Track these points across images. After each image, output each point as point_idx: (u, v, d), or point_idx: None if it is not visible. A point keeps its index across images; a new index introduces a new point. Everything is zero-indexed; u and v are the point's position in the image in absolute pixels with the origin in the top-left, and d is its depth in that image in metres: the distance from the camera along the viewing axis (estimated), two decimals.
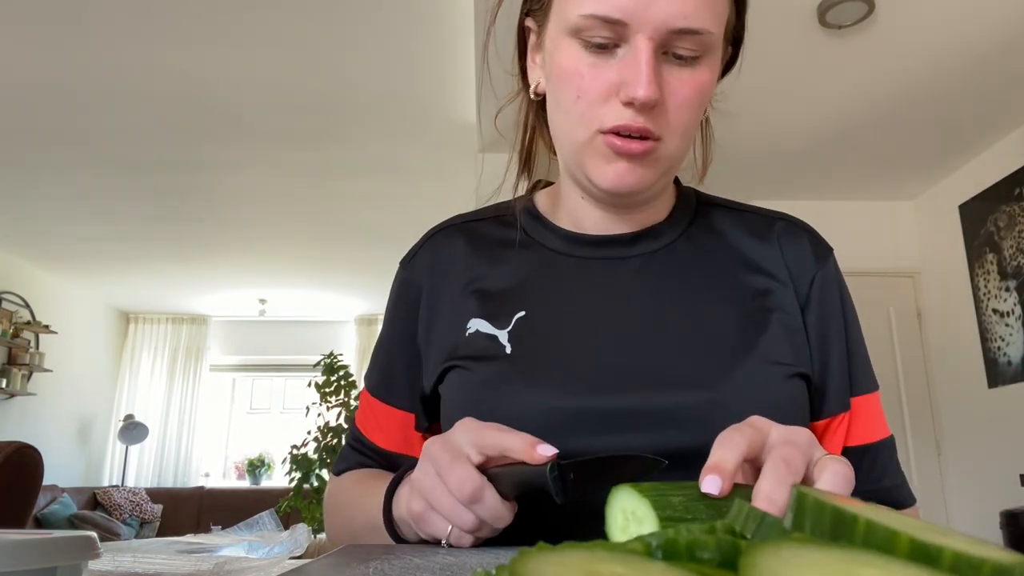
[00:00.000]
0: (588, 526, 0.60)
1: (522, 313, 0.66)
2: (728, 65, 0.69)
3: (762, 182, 3.97)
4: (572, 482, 0.46)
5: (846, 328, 0.69)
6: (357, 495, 0.67)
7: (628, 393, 0.60)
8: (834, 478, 0.41)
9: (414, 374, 0.71)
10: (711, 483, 0.40)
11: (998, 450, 3.58)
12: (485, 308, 0.67)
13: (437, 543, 0.52)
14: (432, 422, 0.71)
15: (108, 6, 2.56)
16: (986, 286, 3.67)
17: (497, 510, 0.49)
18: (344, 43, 2.80)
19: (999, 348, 3.56)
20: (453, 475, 0.48)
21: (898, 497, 0.67)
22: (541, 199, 0.75)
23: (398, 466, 0.69)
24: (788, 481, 0.40)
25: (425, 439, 0.71)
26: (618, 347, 0.63)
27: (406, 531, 0.57)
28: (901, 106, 3.19)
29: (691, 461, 0.57)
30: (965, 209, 3.82)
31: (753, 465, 0.45)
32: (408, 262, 0.75)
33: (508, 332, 0.65)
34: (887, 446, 0.67)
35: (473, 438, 0.50)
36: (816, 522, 0.24)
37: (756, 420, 0.47)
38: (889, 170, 3.89)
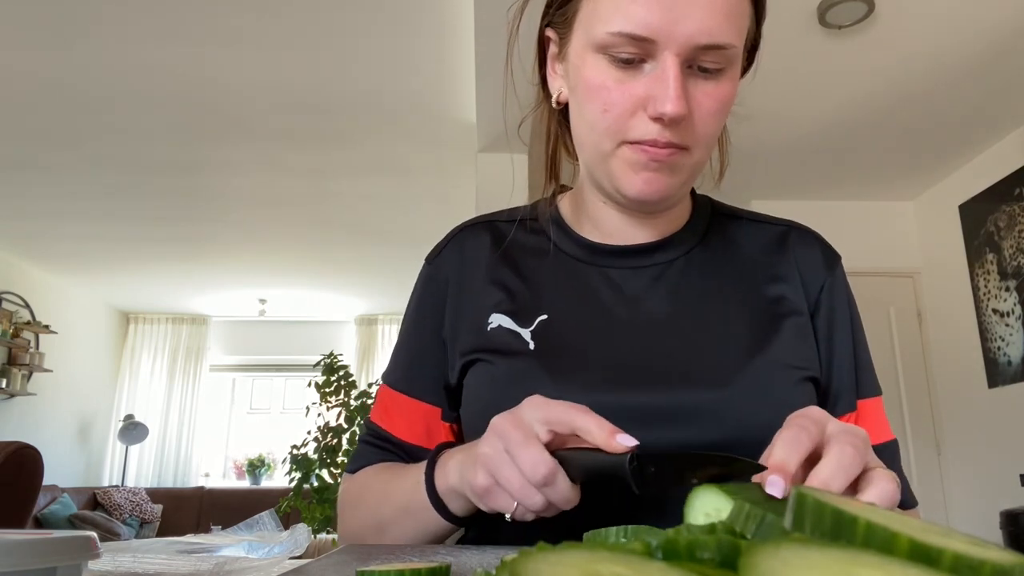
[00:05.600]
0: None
1: (544, 316, 0.68)
2: (744, 70, 0.70)
3: (762, 182, 3.97)
4: (651, 475, 0.45)
5: (853, 332, 0.71)
6: (384, 483, 0.67)
7: (646, 391, 0.62)
8: (881, 498, 0.41)
9: (440, 367, 0.72)
10: (776, 485, 0.39)
11: (998, 450, 3.58)
12: (507, 307, 0.69)
13: (499, 516, 0.52)
14: (457, 413, 0.72)
15: (108, 6, 2.56)
16: (986, 286, 3.66)
17: (567, 494, 0.49)
18: (344, 43, 2.80)
19: (999, 348, 3.56)
20: (526, 456, 0.48)
21: (902, 499, 0.69)
22: (564, 205, 0.77)
23: (419, 459, 0.70)
24: (853, 470, 0.41)
25: (452, 430, 0.73)
26: (635, 348, 0.65)
27: (454, 504, 0.57)
28: (901, 106, 3.19)
29: None
30: (965, 209, 3.82)
31: (809, 459, 0.45)
32: (434, 258, 0.76)
33: (531, 331, 0.67)
34: (891, 449, 0.69)
35: (542, 414, 0.49)
36: (816, 522, 0.24)
37: (814, 411, 0.47)
38: (889, 170, 3.89)
